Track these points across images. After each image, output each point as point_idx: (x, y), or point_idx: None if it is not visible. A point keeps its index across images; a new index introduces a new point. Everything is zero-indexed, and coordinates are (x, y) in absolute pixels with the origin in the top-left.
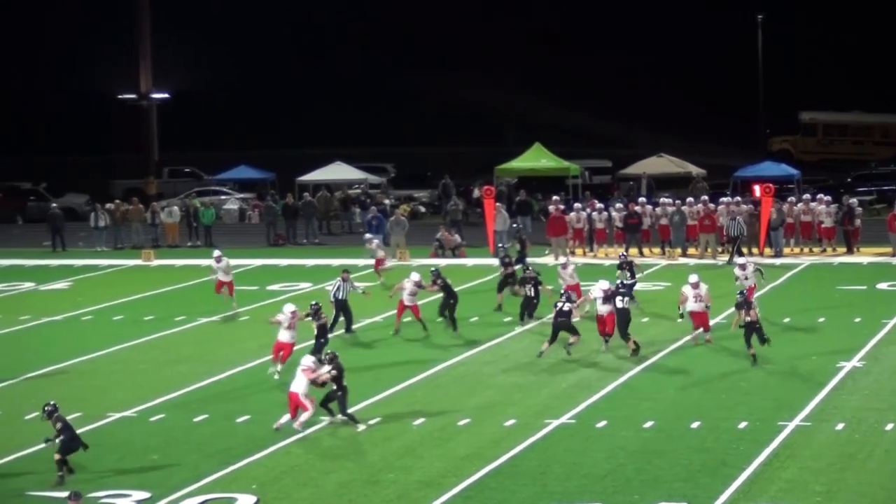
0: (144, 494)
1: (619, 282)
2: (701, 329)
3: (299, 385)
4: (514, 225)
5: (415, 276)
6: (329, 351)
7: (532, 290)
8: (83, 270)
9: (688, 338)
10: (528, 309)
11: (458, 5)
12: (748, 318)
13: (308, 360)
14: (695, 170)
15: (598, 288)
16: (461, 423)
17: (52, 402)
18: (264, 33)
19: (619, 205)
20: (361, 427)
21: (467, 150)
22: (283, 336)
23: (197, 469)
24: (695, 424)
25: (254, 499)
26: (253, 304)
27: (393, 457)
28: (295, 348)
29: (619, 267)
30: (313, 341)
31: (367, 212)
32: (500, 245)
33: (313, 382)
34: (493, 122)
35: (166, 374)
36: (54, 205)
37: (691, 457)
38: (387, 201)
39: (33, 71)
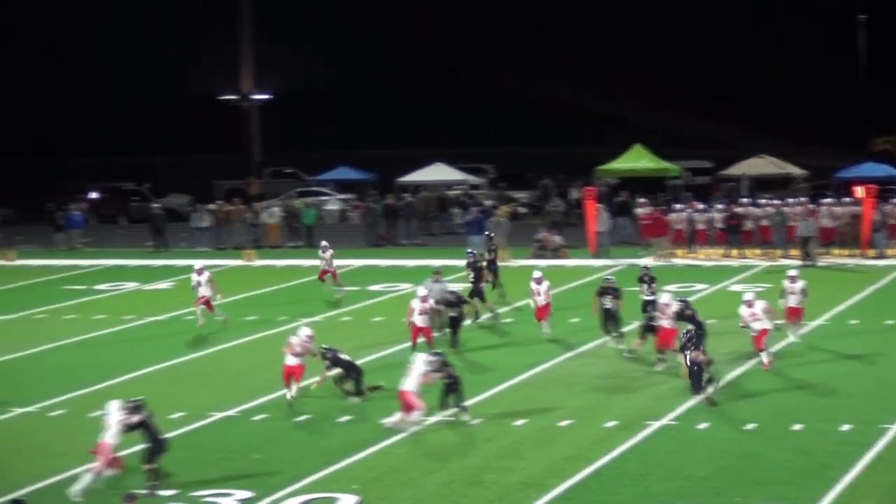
0: (247, 494)
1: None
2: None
3: (411, 383)
4: (488, 233)
5: (422, 291)
6: (438, 354)
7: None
8: (186, 271)
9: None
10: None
11: (557, 7)
12: (697, 359)
13: (421, 360)
14: (795, 171)
15: (661, 302)
16: (562, 423)
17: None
18: (366, 34)
19: (719, 205)
20: (474, 421)
21: (567, 151)
22: (291, 360)
23: (299, 469)
24: (796, 427)
25: (355, 499)
26: (354, 305)
27: (494, 457)
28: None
29: (640, 280)
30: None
31: (468, 212)
32: (469, 251)
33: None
34: (592, 123)
35: (268, 375)
36: (156, 205)
37: (793, 459)
38: (487, 202)
39: (137, 72)
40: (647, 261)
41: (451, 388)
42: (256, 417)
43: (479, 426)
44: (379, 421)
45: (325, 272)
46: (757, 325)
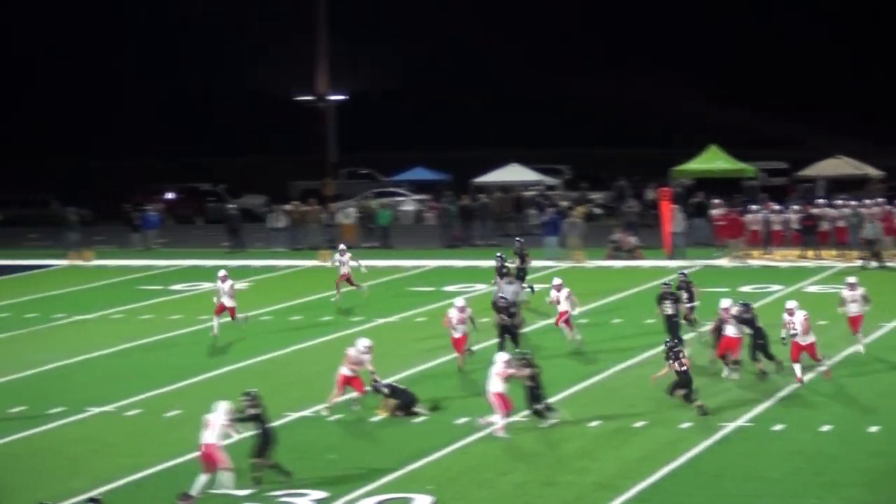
0: (322, 494)
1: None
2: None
3: (496, 385)
4: (518, 239)
5: (459, 302)
6: (523, 353)
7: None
8: (262, 271)
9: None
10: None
11: (628, 8)
12: (680, 369)
13: (501, 360)
14: (873, 171)
15: (724, 308)
16: (636, 425)
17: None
18: (441, 34)
19: (795, 206)
20: (553, 420)
21: (642, 152)
22: (346, 370)
23: (374, 469)
24: (872, 429)
25: (430, 499)
26: (429, 305)
27: (569, 458)
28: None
29: (678, 287)
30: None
31: (544, 213)
32: (497, 255)
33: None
34: (668, 124)
35: None
36: (232, 206)
37: (869, 461)
38: (563, 203)
39: (212, 73)
40: (723, 261)
41: (534, 393)
42: (332, 418)
43: (554, 427)
44: (477, 421)
45: (342, 277)
46: (800, 338)
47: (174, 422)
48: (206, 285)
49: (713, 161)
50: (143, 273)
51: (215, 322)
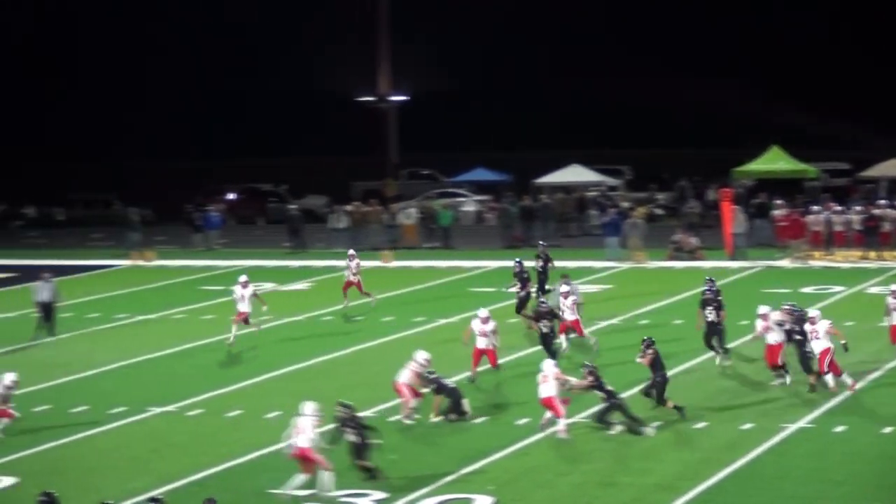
0: (382, 494)
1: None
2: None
3: (549, 389)
4: (541, 243)
5: (482, 313)
6: (588, 364)
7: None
8: (323, 271)
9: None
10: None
11: (690, 8)
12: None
13: (551, 366)
14: None
15: (769, 317)
16: (697, 426)
17: (345, 402)
18: (503, 35)
19: (857, 207)
20: (650, 431)
21: (703, 153)
22: (405, 377)
23: (434, 469)
24: None
25: (491, 500)
26: (490, 306)
27: (629, 459)
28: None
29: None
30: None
31: (605, 214)
32: (516, 260)
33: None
34: (729, 124)
35: None
36: (293, 206)
37: None
38: (624, 204)
39: (274, 73)
40: (784, 262)
41: (611, 406)
42: (392, 418)
43: (614, 427)
44: (539, 423)
45: (349, 284)
46: (816, 346)
47: (235, 422)
48: (268, 286)
49: (775, 162)
50: (204, 273)
51: (234, 329)
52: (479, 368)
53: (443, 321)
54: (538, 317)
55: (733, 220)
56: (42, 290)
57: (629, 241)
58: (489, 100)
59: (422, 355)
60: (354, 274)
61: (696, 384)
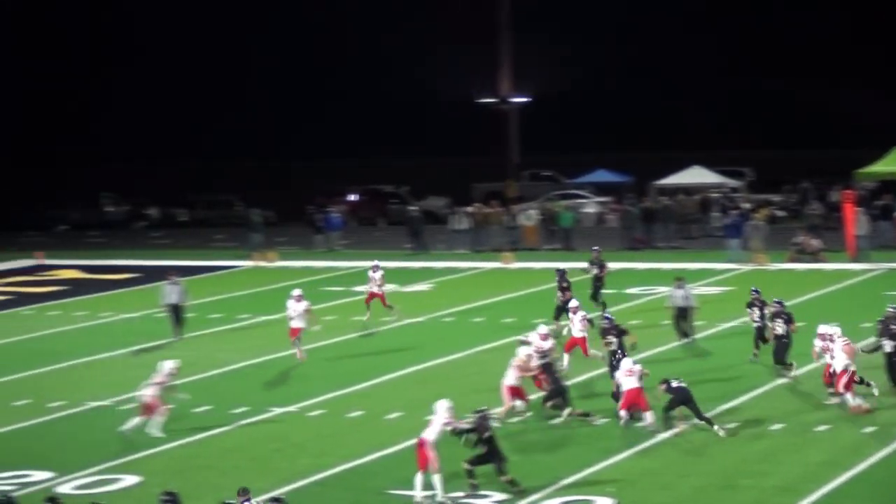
0: (504, 496)
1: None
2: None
3: (632, 382)
4: (595, 248)
5: (542, 329)
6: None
7: None
8: (444, 272)
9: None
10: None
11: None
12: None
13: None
14: None
15: (821, 335)
16: (819, 429)
17: (482, 409)
18: (624, 35)
19: None
20: (721, 432)
21: (825, 154)
22: (510, 378)
23: (555, 471)
24: None
25: (611, 501)
26: (611, 308)
27: (750, 461)
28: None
29: (750, 305)
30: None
31: (727, 216)
32: (557, 269)
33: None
34: (852, 126)
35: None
36: (413, 208)
37: None
38: (746, 205)
39: (396, 74)
40: None
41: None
42: (513, 420)
43: (734, 430)
44: (638, 424)
45: (372, 296)
46: (836, 364)
47: (356, 422)
48: (389, 287)
49: None
50: (326, 274)
51: (297, 350)
52: (595, 372)
53: (563, 322)
54: (603, 333)
55: (856, 221)
56: (170, 292)
57: (751, 243)
58: (611, 101)
59: (524, 350)
60: (379, 286)
61: (820, 386)
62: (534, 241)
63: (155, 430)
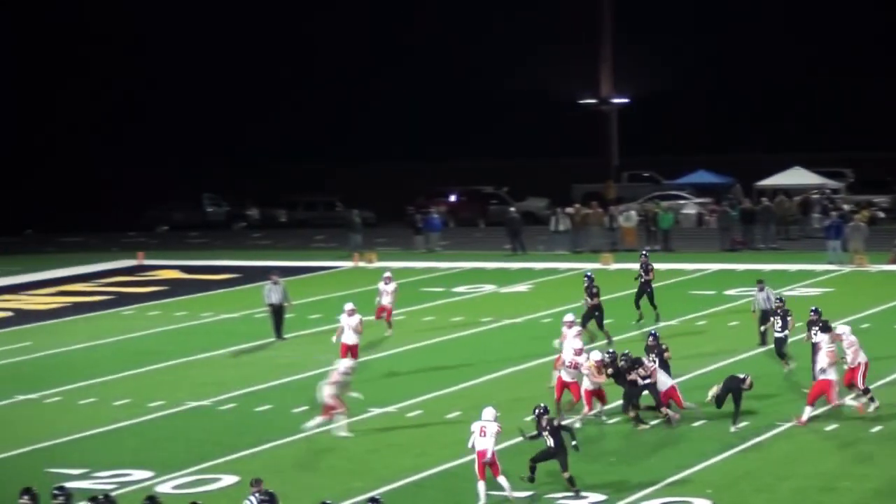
0: (601, 497)
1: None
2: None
3: (665, 382)
4: (644, 251)
5: (576, 341)
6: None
7: None
8: (543, 273)
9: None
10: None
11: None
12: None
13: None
14: None
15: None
16: None
17: (541, 405)
18: (725, 36)
19: None
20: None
21: None
22: (587, 384)
23: (653, 472)
24: None
25: (709, 503)
26: (710, 309)
27: (848, 464)
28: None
29: (774, 314)
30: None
31: (827, 217)
32: (586, 275)
33: None
34: None
35: None
36: (513, 209)
37: None
38: (846, 207)
39: (495, 75)
40: None
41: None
42: (611, 421)
43: (833, 431)
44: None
45: (382, 310)
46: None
47: (454, 423)
48: (488, 287)
49: None
50: (425, 275)
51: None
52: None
53: (662, 323)
54: (647, 350)
55: None
56: (272, 292)
57: (851, 245)
58: (711, 102)
59: (595, 355)
60: (390, 300)
61: None
62: (633, 243)
63: (342, 432)
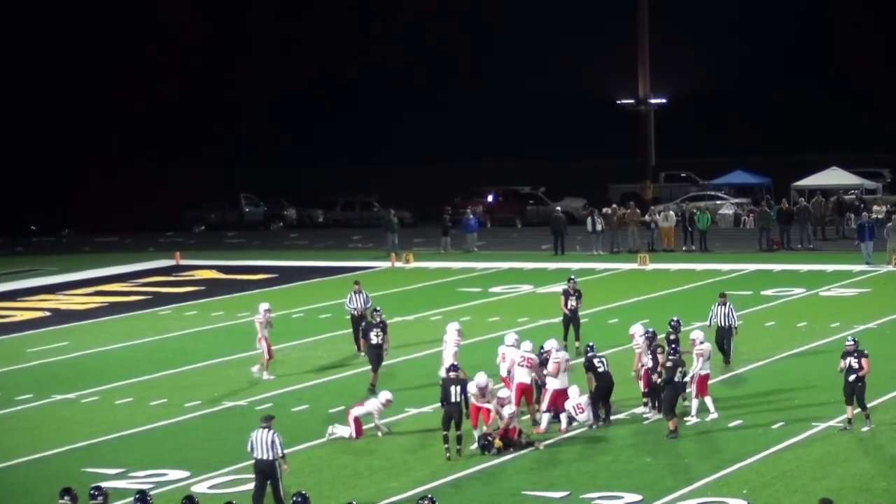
0: (636, 497)
1: None
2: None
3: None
4: (571, 276)
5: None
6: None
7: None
8: (580, 273)
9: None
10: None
11: None
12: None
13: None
14: None
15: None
16: None
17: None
18: (763, 36)
19: None
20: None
21: None
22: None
23: (688, 473)
24: None
25: (745, 503)
26: (747, 309)
27: (885, 465)
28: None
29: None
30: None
31: (861, 217)
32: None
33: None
34: None
35: None
36: (558, 208)
37: None
38: (883, 207)
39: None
40: None
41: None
42: (648, 421)
43: (868, 433)
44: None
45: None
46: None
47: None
48: (526, 288)
49: None
50: (462, 275)
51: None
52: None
53: (697, 323)
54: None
55: None
56: (355, 301)
57: (888, 245)
58: (748, 102)
59: (638, 329)
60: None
61: None
62: (670, 243)
63: (342, 432)
